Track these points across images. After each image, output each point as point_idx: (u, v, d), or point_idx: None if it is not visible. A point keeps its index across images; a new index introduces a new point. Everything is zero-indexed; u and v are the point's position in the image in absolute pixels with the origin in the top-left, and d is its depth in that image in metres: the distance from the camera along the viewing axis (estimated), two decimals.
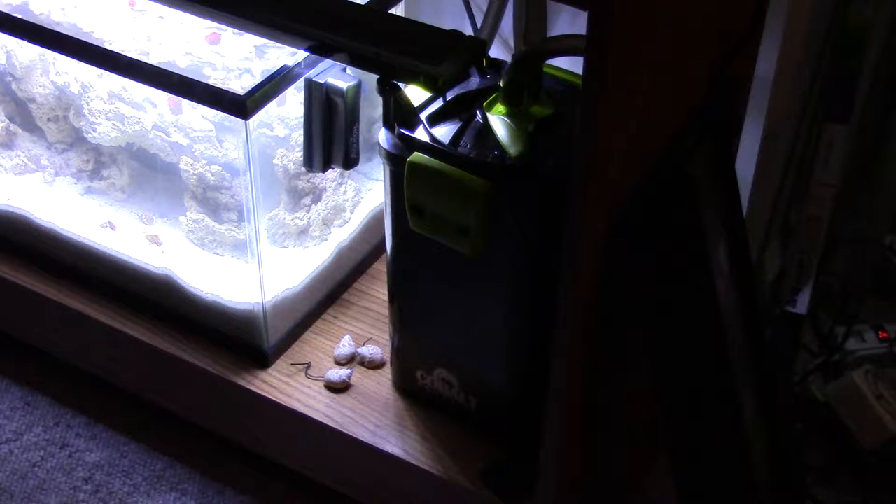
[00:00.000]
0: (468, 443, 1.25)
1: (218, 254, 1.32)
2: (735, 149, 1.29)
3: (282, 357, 1.34)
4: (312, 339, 1.37)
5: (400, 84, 1.11)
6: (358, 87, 1.19)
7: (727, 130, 1.19)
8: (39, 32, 1.27)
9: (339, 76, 1.18)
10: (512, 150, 1.08)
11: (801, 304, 1.51)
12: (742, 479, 1.16)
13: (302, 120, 1.21)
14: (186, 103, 1.24)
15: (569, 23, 1.35)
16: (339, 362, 1.34)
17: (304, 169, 1.27)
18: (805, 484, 1.40)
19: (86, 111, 1.31)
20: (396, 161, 1.13)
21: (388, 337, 1.32)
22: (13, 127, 1.41)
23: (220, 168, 1.25)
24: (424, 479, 1.23)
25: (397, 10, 1.34)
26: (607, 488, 1.29)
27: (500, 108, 1.12)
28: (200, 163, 1.26)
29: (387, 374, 1.33)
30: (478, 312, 1.18)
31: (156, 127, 1.27)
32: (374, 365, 1.34)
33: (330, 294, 1.41)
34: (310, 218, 1.34)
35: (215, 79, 1.25)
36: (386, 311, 1.33)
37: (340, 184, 1.38)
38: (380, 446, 1.25)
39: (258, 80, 1.20)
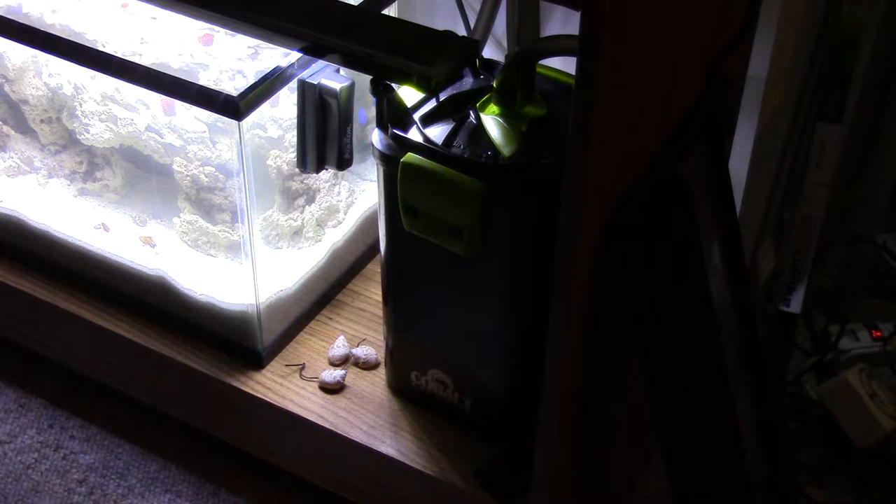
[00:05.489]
0: (463, 443, 1.25)
1: (212, 255, 1.32)
2: (728, 148, 1.29)
3: (276, 358, 1.34)
4: (306, 340, 1.37)
5: (393, 85, 1.11)
6: (351, 88, 1.19)
7: (720, 130, 1.19)
8: (32, 34, 1.27)
9: (332, 77, 1.18)
10: (505, 150, 1.08)
11: (795, 304, 1.51)
12: (736, 478, 1.16)
13: (295, 121, 1.21)
14: (179, 104, 1.24)
15: (562, 23, 1.35)
16: (334, 363, 1.34)
17: (297, 170, 1.27)
18: (799, 483, 1.40)
19: (79, 113, 1.31)
20: (390, 162, 1.13)
21: (382, 338, 1.32)
22: (6, 129, 1.41)
23: (213, 169, 1.25)
24: (419, 479, 1.23)
25: (390, 11, 1.34)
26: (602, 488, 1.29)
27: (493, 108, 1.12)
28: (194, 164, 1.26)
29: (381, 374, 1.33)
30: (472, 313, 1.18)
31: (149, 128, 1.27)
32: (368, 366, 1.34)
33: (324, 295, 1.41)
34: (303, 219, 1.34)
35: (208, 80, 1.25)
36: (380, 312, 1.33)
37: (334, 185, 1.38)
38: (374, 447, 1.25)
39: (251, 81, 1.20)
